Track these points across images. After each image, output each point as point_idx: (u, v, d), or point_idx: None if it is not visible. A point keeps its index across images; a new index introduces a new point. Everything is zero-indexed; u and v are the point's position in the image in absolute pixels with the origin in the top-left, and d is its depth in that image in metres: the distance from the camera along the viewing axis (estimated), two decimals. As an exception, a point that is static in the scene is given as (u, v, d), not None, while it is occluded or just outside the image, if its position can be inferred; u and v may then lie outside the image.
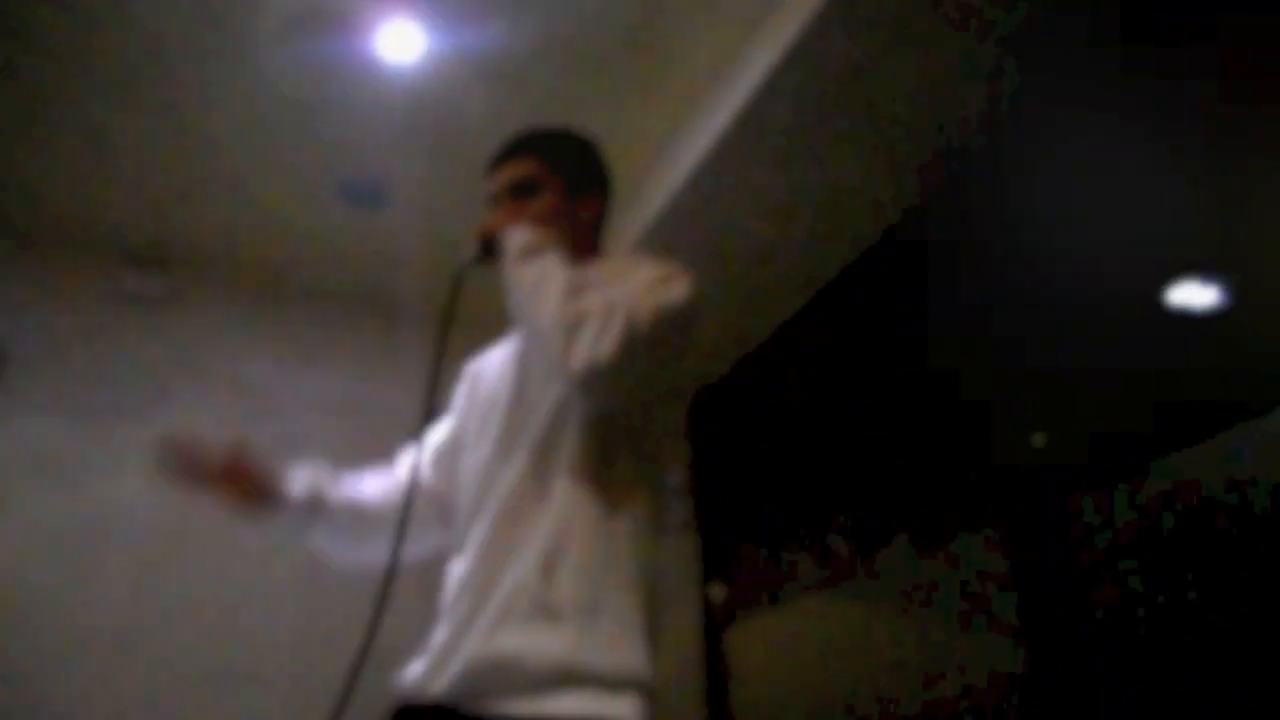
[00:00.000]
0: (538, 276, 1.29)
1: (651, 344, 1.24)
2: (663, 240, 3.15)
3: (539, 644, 1.18)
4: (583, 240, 1.51)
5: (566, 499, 1.27)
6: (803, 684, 3.20)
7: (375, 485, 1.63)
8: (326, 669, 3.10)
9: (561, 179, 1.51)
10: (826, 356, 3.52)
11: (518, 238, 1.35)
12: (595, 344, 1.18)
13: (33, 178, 3.20)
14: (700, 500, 4.02)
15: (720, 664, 3.68)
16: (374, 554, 1.47)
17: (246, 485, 1.56)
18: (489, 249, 1.40)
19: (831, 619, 3.21)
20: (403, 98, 2.90)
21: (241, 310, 3.66)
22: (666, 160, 3.03)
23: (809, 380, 3.63)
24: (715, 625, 3.77)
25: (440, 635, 1.30)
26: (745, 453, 3.99)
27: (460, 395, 1.63)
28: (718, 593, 3.71)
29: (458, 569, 1.34)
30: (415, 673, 1.32)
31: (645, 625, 1.24)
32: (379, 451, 3.61)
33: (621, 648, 1.20)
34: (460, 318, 1.45)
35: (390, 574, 1.31)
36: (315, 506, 1.57)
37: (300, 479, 1.59)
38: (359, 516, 1.58)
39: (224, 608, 3.17)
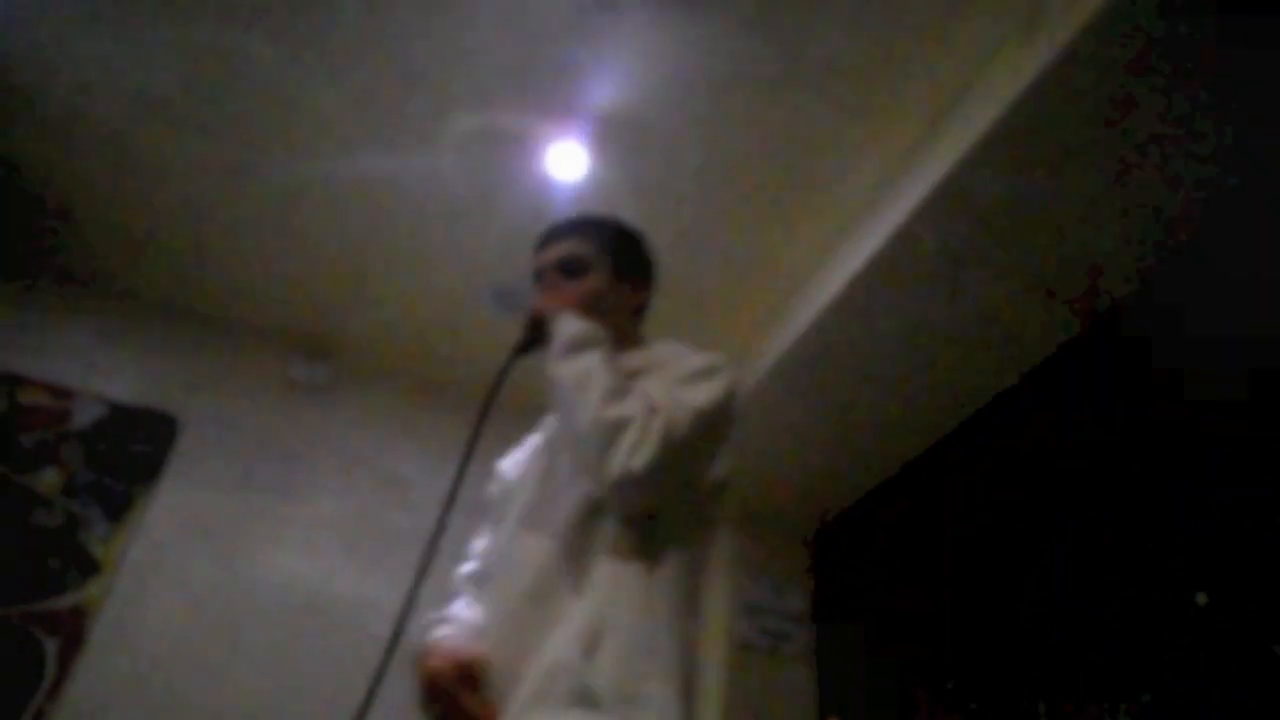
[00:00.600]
0: (582, 374, 1.29)
1: (690, 447, 1.24)
2: (803, 365, 3.17)
3: None
4: (626, 325, 1.53)
5: (608, 579, 1.23)
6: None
7: None
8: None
9: (610, 261, 1.53)
10: (960, 494, 3.41)
11: (567, 328, 1.37)
12: (631, 454, 1.18)
13: (224, 263, 3.52)
14: (820, 631, 3.89)
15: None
16: None
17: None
18: (538, 332, 1.43)
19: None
20: (562, 213, 3.07)
21: (395, 404, 3.86)
22: (813, 286, 3.08)
23: (940, 518, 3.51)
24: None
25: None
26: (870, 587, 3.86)
27: (491, 495, 1.64)
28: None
29: (488, 639, 1.29)
30: None
31: (684, 711, 1.18)
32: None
33: None
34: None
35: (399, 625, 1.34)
36: None
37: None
38: None
39: (353, 683, 3.23)
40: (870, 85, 2.56)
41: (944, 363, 3.06)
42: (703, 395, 1.28)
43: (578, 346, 1.34)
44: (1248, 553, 2.22)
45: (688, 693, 1.20)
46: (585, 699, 1.13)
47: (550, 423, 1.53)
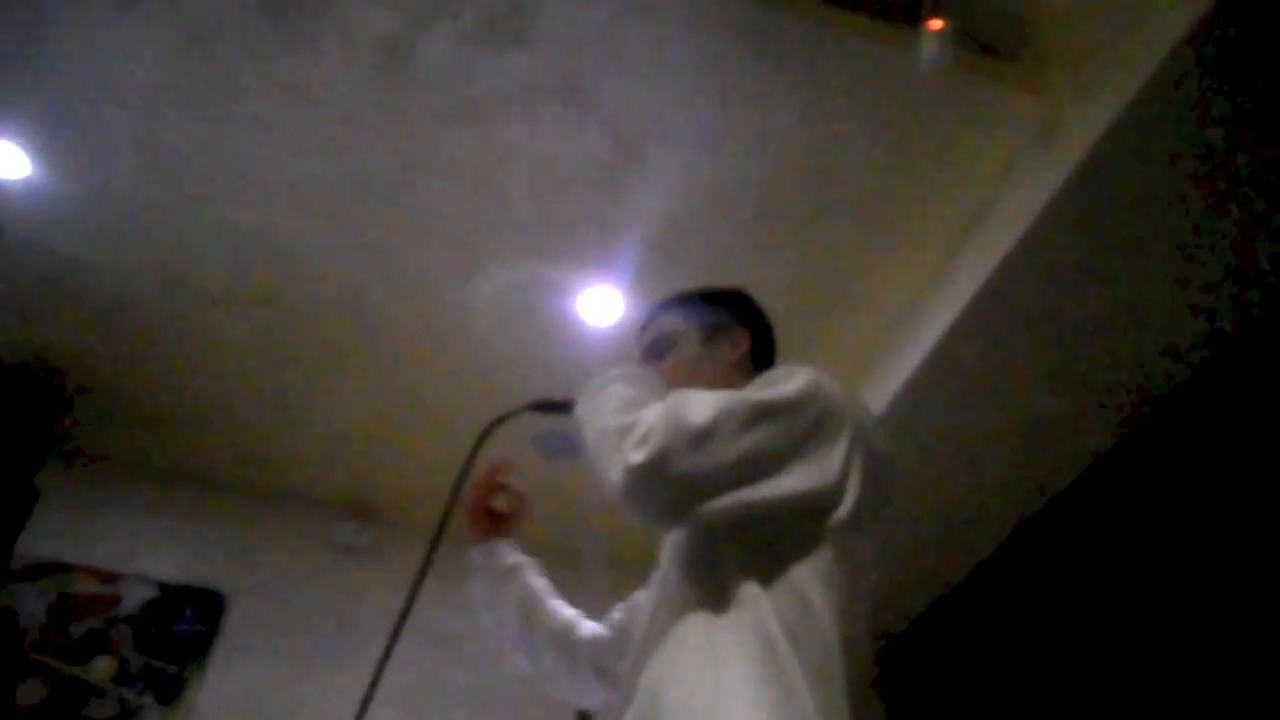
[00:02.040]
0: (595, 396, 1.19)
1: (716, 433, 1.03)
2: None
3: None
4: (731, 379, 1.33)
5: (669, 641, 1.08)
6: None
7: (583, 625, 1.57)
8: None
9: (697, 327, 1.43)
10: (1027, 601, 3.32)
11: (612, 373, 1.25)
12: (634, 449, 1.02)
13: (263, 435, 3.55)
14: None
15: None
16: (523, 662, 1.53)
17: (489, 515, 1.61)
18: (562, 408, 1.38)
19: None
20: (600, 358, 3.11)
21: (440, 561, 3.81)
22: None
23: (1009, 627, 3.41)
24: None
25: None
26: (943, 704, 3.72)
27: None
28: None
29: None
30: None
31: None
32: (562, 702, 3.58)
33: None
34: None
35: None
36: (505, 579, 1.60)
37: (517, 557, 1.63)
38: (550, 631, 1.54)
39: None
40: (897, 207, 2.63)
41: (991, 472, 3.04)
42: (757, 391, 1.11)
43: (608, 381, 1.23)
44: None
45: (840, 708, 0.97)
46: None
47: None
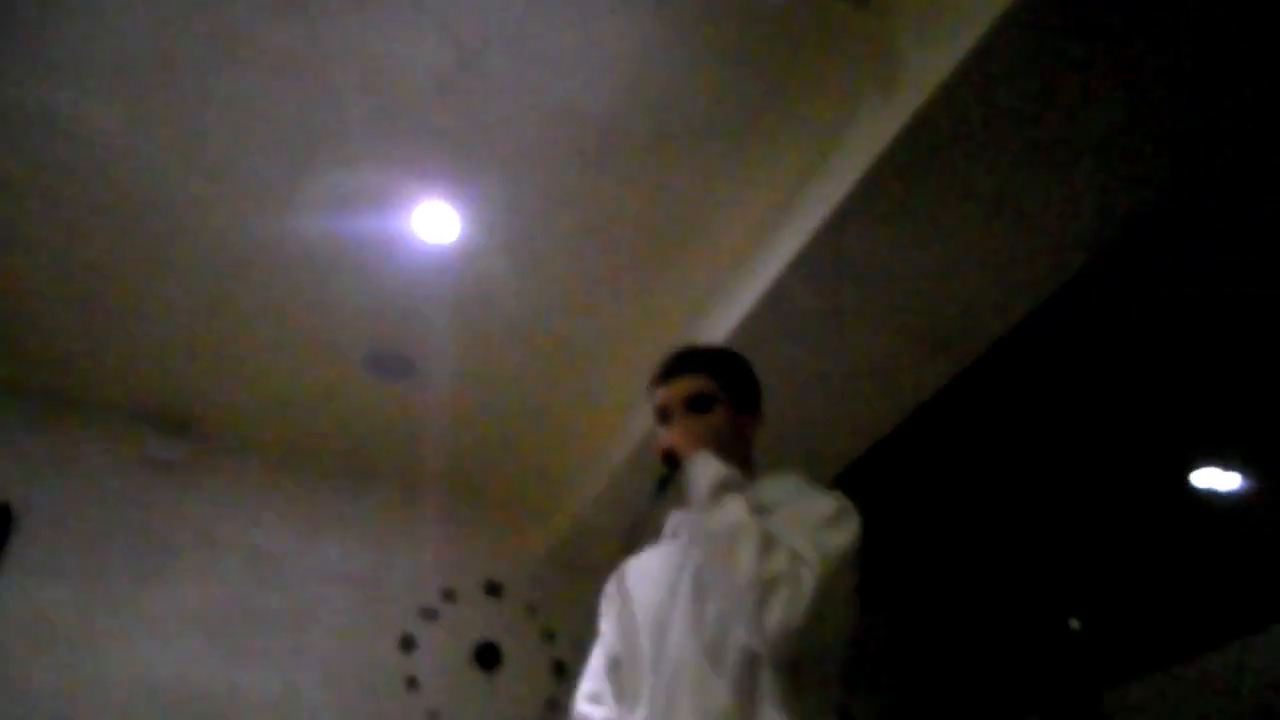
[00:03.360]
0: (733, 527, 1.31)
1: (838, 594, 1.28)
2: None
3: None
4: (748, 457, 1.55)
5: None
6: None
7: None
8: None
9: (730, 397, 1.55)
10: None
11: (709, 471, 1.39)
12: (789, 609, 1.22)
13: (64, 339, 3.27)
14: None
15: None
16: None
17: None
18: (673, 470, 1.45)
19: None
20: (435, 275, 3.00)
21: (260, 477, 3.66)
22: (693, 340, 3.09)
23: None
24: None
25: None
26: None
27: (609, 614, 1.60)
28: None
29: None
30: None
31: None
32: (383, 625, 3.54)
33: None
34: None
35: None
36: None
37: None
38: None
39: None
40: (738, 146, 2.59)
41: (824, 414, 3.11)
42: (842, 539, 1.33)
43: (721, 491, 1.36)
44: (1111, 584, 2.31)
45: None
46: None
47: (681, 535, 1.54)
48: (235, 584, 3.37)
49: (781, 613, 1.22)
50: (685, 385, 1.55)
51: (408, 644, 3.52)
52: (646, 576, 1.54)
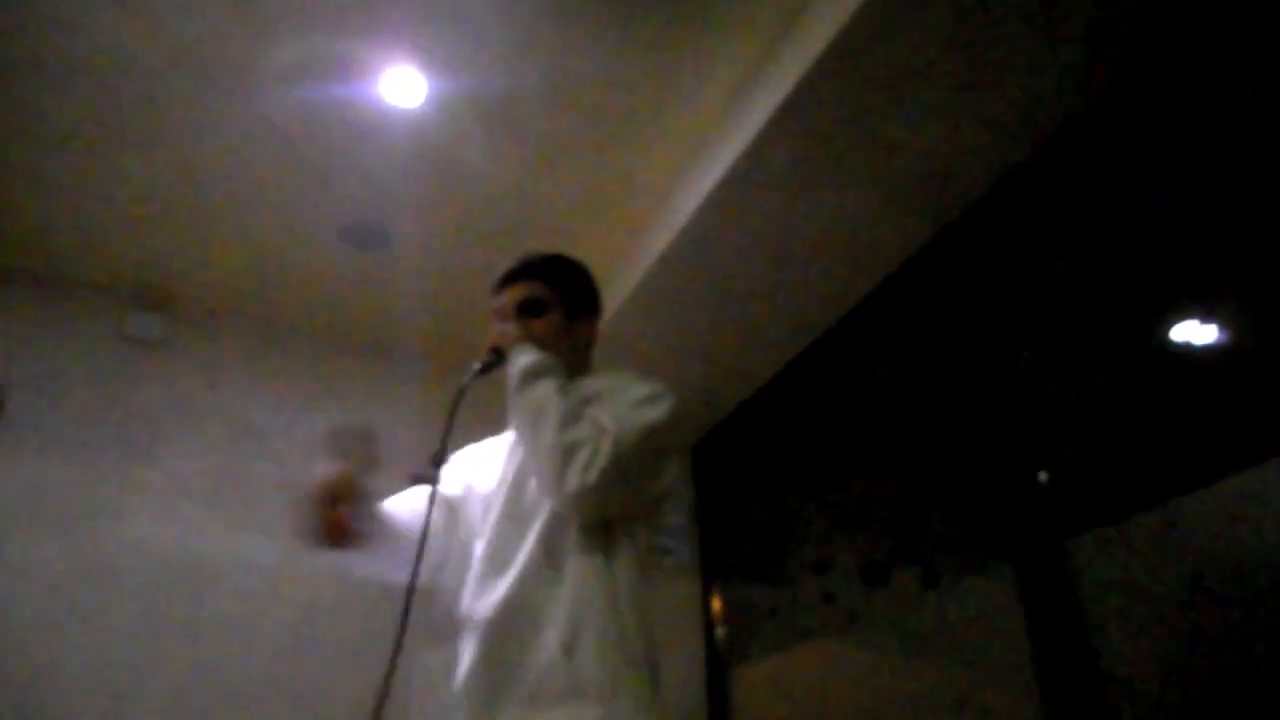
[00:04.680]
0: (538, 403, 1.46)
1: (638, 463, 1.41)
2: (667, 284, 3.15)
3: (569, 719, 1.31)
4: (578, 358, 1.70)
5: (579, 586, 1.40)
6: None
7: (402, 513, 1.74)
8: (326, 699, 3.09)
9: (563, 303, 1.69)
10: (828, 397, 3.51)
11: (523, 360, 1.53)
12: (585, 471, 1.36)
13: (37, 218, 3.22)
14: (704, 543, 3.99)
15: (724, 707, 3.63)
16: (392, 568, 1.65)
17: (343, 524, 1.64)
18: (497, 359, 1.59)
19: (837, 662, 3.17)
20: (405, 141, 2.92)
21: (241, 352, 3.66)
22: (668, 203, 3.05)
23: (810, 422, 3.61)
24: (719, 668, 3.73)
25: (472, 710, 1.40)
26: (747, 495, 3.97)
27: (457, 475, 1.78)
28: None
29: (469, 650, 1.46)
30: None
31: (657, 699, 1.38)
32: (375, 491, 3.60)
33: (640, 717, 1.34)
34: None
35: (409, 597, 1.44)
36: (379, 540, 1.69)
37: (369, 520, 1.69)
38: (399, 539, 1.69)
39: (230, 642, 3.15)
40: (713, -3, 2.49)
41: (804, 273, 3.10)
42: (648, 417, 1.45)
43: (533, 376, 1.50)
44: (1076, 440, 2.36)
45: (657, 678, 1.41)
46: (574, 694, 1.32)
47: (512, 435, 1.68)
48: (225, 456, 3.42)
49: (578, 475, 1.36)
50: (519, 290, 1.68)
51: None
52: (484, 461, 1.73)
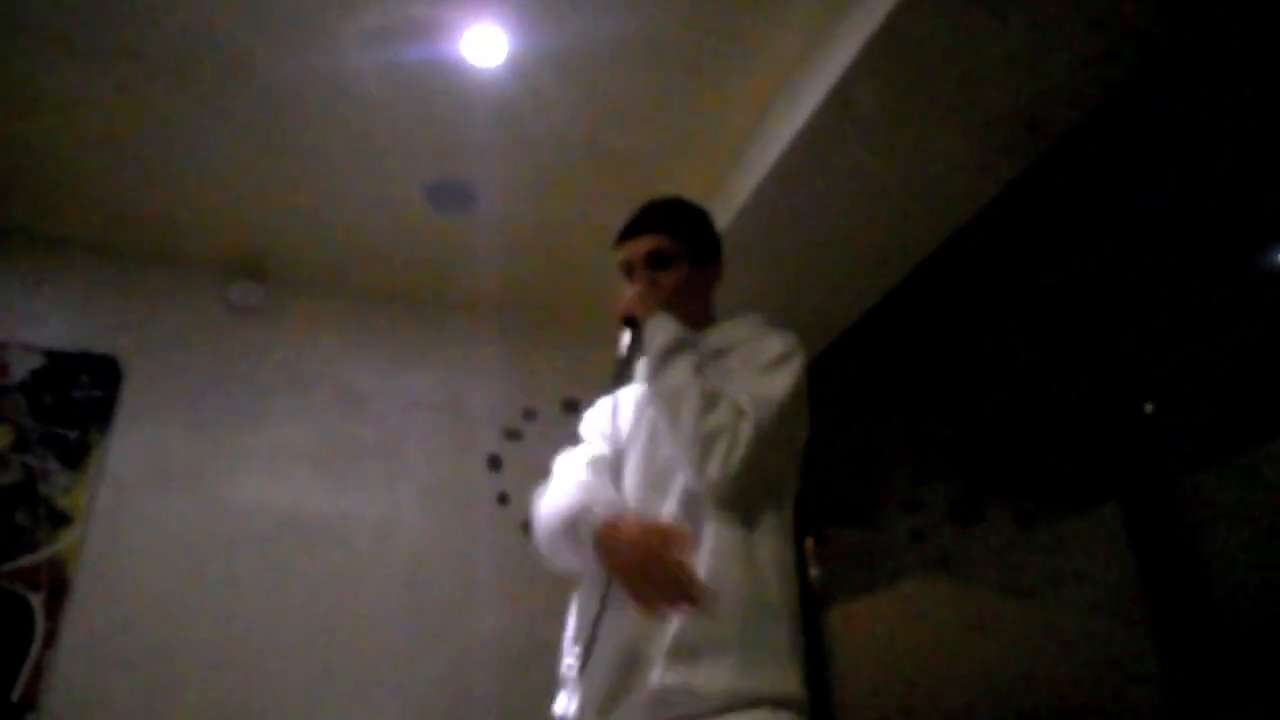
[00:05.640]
0: (677, 389, 1.46)
1: (777, 442, 1.43)
2: (753, 227, 3.13)
3: (710, 675, 1.32)
4: (705, 306, 1.71)
5: (716, 542, 1.41)
6: (903, 666, 3.17)
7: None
8: (432, 660, 3.23)
9: (689, 253, 1.68)
10: (920, 336, 3.46)
11: (659, 339, 1.52)
12: (726, 460, 1.38)
13: (140, 199, 3.34)
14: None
15: (820, 648, 3.67)
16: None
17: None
18: (635, 332, 1.57)
19: (931, 602, 3.17)
20: (488, 100, 2.94)
21: (338, 316, 3.78)
22: (754, 148, 3.01)
23: (903, 361, 3.58)
24: (813, 610, 3.77)
25: (600, 673, 1.40)
26: (837, 437, 3.96)
27: (605, 424, 1.73)
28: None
29: (603, 606, 1.43)
30: (581, 705, 1.42)
31: (797, 649, 1.40)
32: (470, 447, 3.72)
33: (779, 672, 1.36)
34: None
35: None
36: None
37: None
38: None
39: (342, 601, 3.31)
40: (794, -66, 2.43)
41: (890, 214, 3.05)
42: (782, 385, 1.47)
43: (670, 354, 1.50)
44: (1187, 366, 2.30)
45: (797, 627, 1.42)
46: (714, 649, 1.33)
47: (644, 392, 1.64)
48: (329, 419, 3.56)
49: (721, 463, 1.37)
50: (645, 243, 1.66)
51: (495, 463, 3.72)
52: (624, 409, 1.69)
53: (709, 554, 1.40)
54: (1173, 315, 2.42)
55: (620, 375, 1.60)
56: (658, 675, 1.34)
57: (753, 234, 3.15)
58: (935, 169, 2.83)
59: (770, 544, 1.44)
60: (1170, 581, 2.15)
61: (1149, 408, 2.51)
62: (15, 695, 2.84)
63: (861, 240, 3.18)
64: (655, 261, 1.65)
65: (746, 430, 1.39)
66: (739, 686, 1.32)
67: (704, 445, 1.39)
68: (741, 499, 1.41)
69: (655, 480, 1.52)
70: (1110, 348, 2.54)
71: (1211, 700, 1.99)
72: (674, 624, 1.35)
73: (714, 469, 1.38)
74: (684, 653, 1.34)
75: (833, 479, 3.90)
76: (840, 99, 2.56)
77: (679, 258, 1.66)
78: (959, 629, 2.97)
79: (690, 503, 1.45)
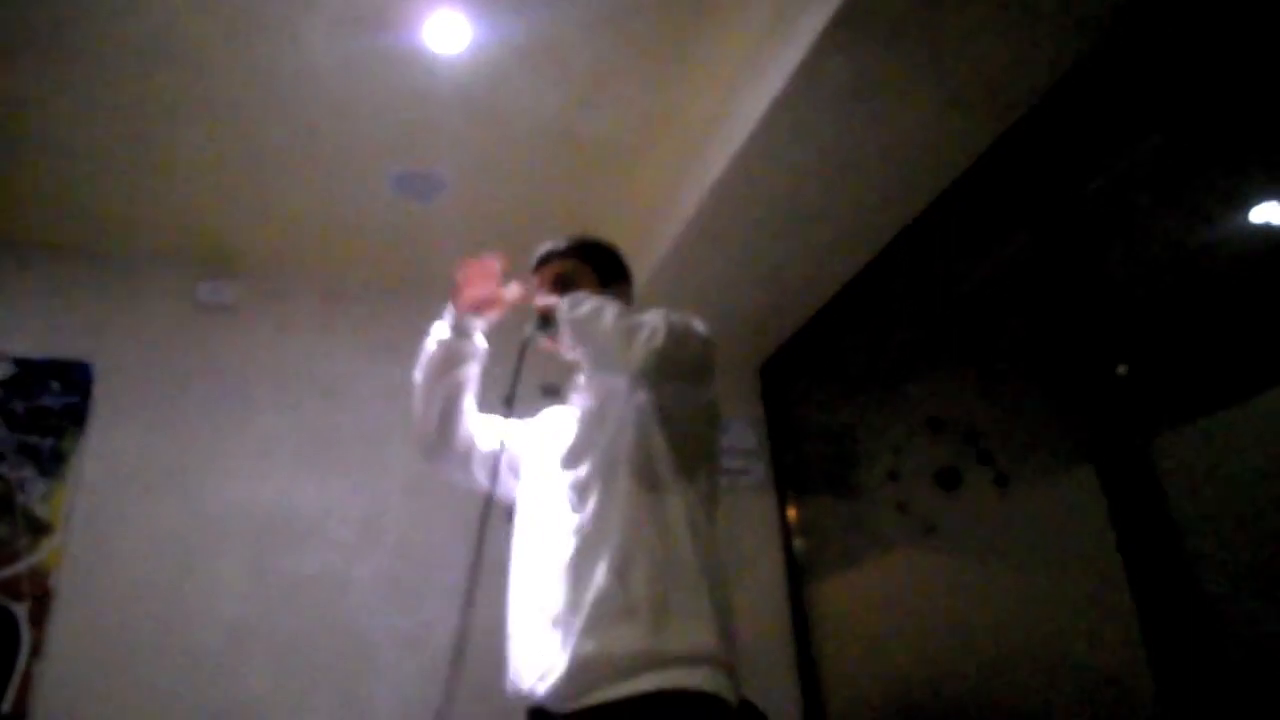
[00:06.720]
0: (594, 307, 1.64)
1: (691, 343, 1.59)
2: (727, 204, 3.12)
3: (623, 639, 1.43)
4: None
5: (628, 505, 1.54)
6: (888, 636, 3.22)
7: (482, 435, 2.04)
8: (426, 652, 3.24)
9: (593, 271, 1.92)
10: (895, 309, 3.48)
11: (570, 298, 1.72)
12: (649, 341, 1.52)
13: (102, 198, 3.28)
14: (777, 459, 4.04)
15: (806, 618, 3.72)
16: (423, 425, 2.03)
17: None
18: (546, 320, 1.77)
19: (915, 569, 3.21)
20: (453, 88, 2.91)
21: (312, 310, 3.74)
22: (722, 128, 3.00)
23: (877, 333, 3.60)
24: (799, 580, 3.81)
25: (539, 642, 1.53)
26: (817, 409, 3.99)
27: (531, 423, 2.00)
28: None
29: (533, 582, 1.62)
30: (523, 679, 1.55)
31: (713, 611, 1.49)
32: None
33: (692, 632, 1.45)
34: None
35: (485, 515, 1.73)
36: (465, 360, 1.97)
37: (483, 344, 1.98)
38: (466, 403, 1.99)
39: (329, 596, 3.30)
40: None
41: (865, 185, 3.05)
42: (692, 319, 1.63)
43: (584, 298, 1.70)
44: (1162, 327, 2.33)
45: (716, 590, 1.52)
46: (627, 615, 1.44)
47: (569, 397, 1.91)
48: (309, 413, 3.53)
49: (644, 344, 1.53)
50: (550, 270, 1.92)
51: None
52: (552, 424, 1.90)
53: (621, 517, 1.53)
54: (1145, 278, 2.45)
55: (524, 348, 1.80)
56: (575, 645, 1.45)
57: (727, 211, 3.15)
58: (910, 139, 2.83)
59: (682, 504, 1.56)
60: (1145, 540, 2.19)
61: (1122, 370, 2.54)
62: (5, 708, 2.83)
63: (838, 212, 3.18)
64: (563, 281, 1.87)
65: (663, 324, 1.54)
66: (651, 648, 1.41)
67: (627, 333, 1.55)
68: (668, 369, 1.55)
69: (568, 456, 1.69)
70: (1082, 311, 2.56)
71: (1186, 654, 2.05)
72: (591, 592, 1.47)
73: (639, 348, 1.52)
74: (602, 619, 1.45)
75: (816, 450, 3.93)
76: (810, 71, 2.54)
77: (584, 275, 1.89)
78: (943, 593, 3.02)
79: (604, 468, 1.59)
